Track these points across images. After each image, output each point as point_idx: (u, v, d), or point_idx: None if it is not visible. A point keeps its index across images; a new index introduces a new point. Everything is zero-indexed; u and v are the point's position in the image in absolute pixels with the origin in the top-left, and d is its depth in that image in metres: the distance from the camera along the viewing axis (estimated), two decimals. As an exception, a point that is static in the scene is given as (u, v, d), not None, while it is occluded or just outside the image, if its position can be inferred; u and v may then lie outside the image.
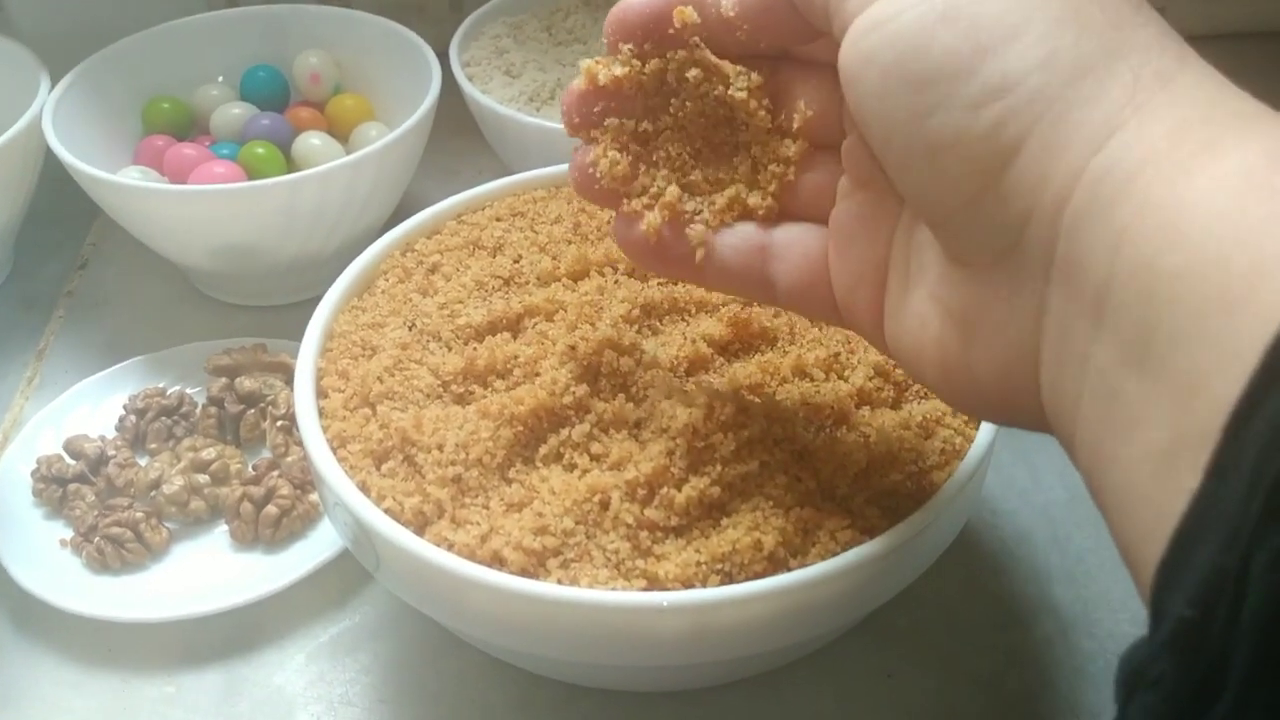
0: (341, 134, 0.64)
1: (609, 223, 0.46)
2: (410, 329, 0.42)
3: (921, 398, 0.40)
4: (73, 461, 0.50)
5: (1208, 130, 0.23)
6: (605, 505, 0.35)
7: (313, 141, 0.60)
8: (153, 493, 0.48)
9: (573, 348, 0.39)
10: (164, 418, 0.52)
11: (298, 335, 0.43)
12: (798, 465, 0.36)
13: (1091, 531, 0.49)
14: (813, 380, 0.40)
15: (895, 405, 0.40)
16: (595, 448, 0.37)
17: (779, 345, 0.41)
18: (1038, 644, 0.45)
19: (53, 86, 0.60)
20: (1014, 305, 0.26)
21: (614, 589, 0.34)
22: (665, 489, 0.35)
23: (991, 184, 0.25)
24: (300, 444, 0.50)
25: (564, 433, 0.37)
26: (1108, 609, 0.46)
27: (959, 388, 0.29)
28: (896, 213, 0.30)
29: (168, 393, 0.53)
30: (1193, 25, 0.77)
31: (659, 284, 0.43)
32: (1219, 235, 0.20)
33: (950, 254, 0.28)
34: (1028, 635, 0.45)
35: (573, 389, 0.38)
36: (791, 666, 0.43)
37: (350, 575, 0.47)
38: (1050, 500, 0.50)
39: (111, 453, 0.50)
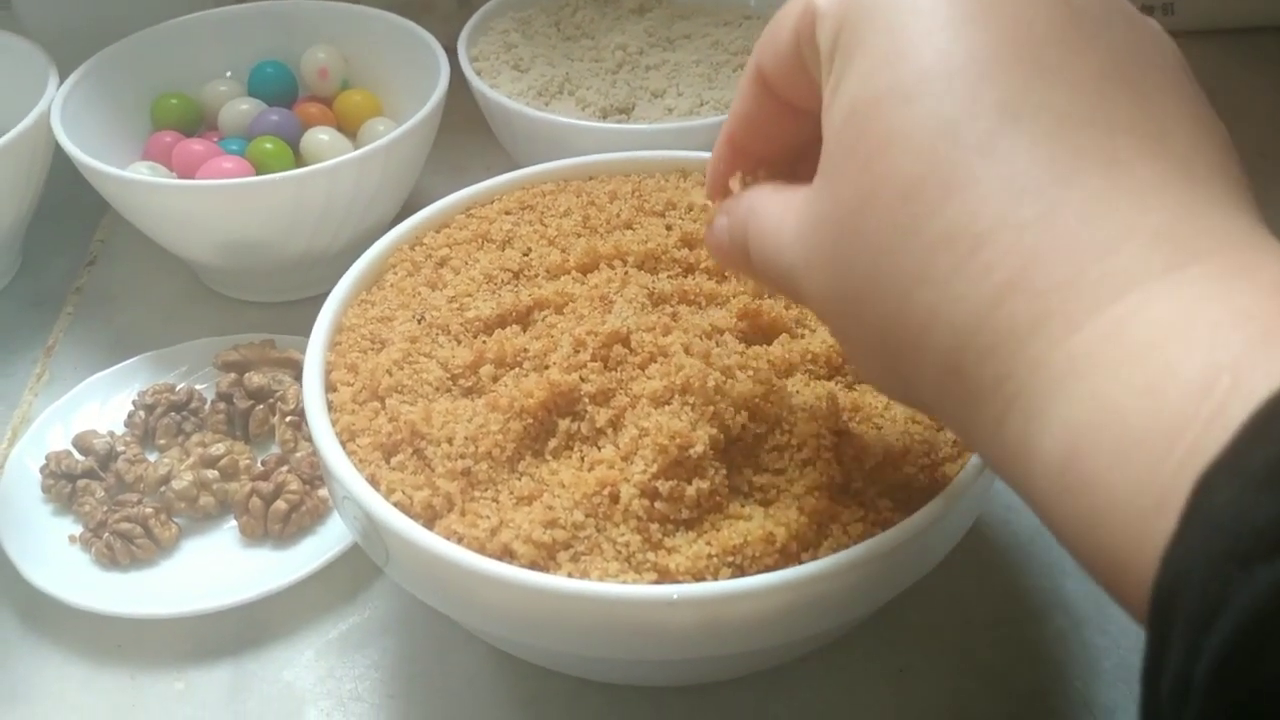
0: (349, 129, 0.64)
1: (618, 215, 0.46)
2: (419, 322, 0.42)
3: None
4: (82, 457, 0.50)
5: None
6: (615, 498, 0.35)
7: (321, 137, 0.60)
8: (162, 488, 0.48)
9: (582, 342, 0.39)
10: (173, 413, 0.52)
11: (306, 331, 0.42)
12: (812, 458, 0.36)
13: (1104, 526, 0.49)
14: (824, 372, 0.39)
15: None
16: (605, 440, 0.37)
17: (790, 336, 0.41)
18: (1050, 640, 0.45)
19: (61, 83, 0.60)
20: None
21: (625, 582, 0.34)
22: (675, 482, 0.35)
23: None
24: (309, 439, 0.50)
25: (574, 425, 0.37)
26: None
27: None
28: None
29: (177, 388, 0.53)
30: (1201, 19, 0.77)
31: (669, 276, 0.43)
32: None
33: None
34: (1040, 631, 0.45)
35: (583, 382, 0.37)
36: (802, 662, 0.43)
37: (360, 570, 0.47)
38: (1063, 495, 0.50)
39: (121, 449, 0.50)
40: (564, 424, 0.37)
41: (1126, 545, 0.21)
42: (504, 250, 0.45)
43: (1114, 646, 0.44)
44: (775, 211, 0.30)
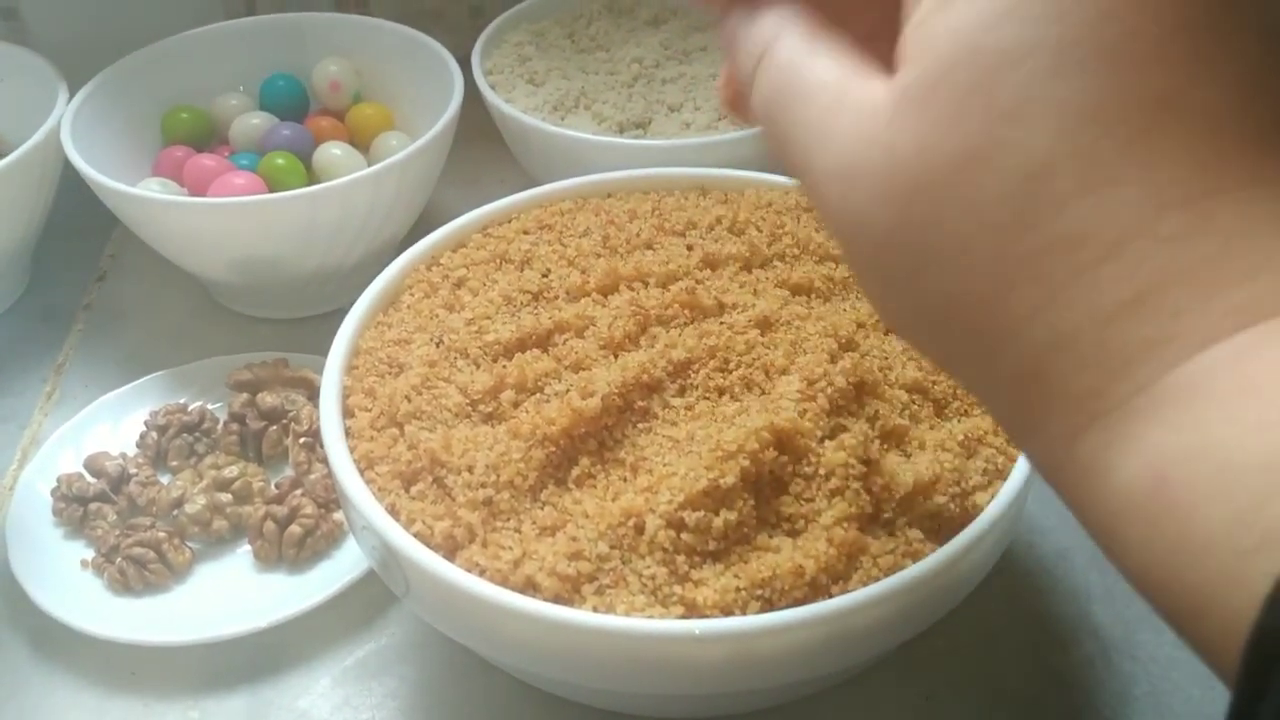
0: (362, 143, 0.63)
1: (638, 235, 0.45)
2: (437, 345, 0.41)
3: (961, 415, 0.39)
4: (94, 480, 0.49)
5: None
6: (640, 529, 0.34)
7: (334, 152, 0.60)
8: (175, 511, 0.48)
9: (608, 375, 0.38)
10: (185, 434, 0.51)
11: (319, 349, 0.42)
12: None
13: (1132, 549, 0.48)
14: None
15: (934, 425, 0.39)
16: (628, 471, 0.36)
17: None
18: (1078, 666, 0.44)
19: (71, 97, 0.59)
20: None
21: (651, 616, 0.33)
22: (703, 512, 0.34)
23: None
24: (324, 461, 0.49)
25: (597, 454, 0.36)
26: (1151, 630, 0.45)
27: None
28: None
29: (189, 409, 0.52)
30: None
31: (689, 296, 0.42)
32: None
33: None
34: (1068, 657, 0.44)
35: (606, 409, 0.37)
36: (829, 691, 0.42)
37: (376, 596, 0.46)
38: (1089, 517, 0.49)
39: (133, 471, 0.50)
40: (587, 453, 0.36)
41: (1214, 582, 0.20)
42: (523, 271, 0.44)
43: (1144, 673, 0.43)
44: (825, 89, 0.25)
